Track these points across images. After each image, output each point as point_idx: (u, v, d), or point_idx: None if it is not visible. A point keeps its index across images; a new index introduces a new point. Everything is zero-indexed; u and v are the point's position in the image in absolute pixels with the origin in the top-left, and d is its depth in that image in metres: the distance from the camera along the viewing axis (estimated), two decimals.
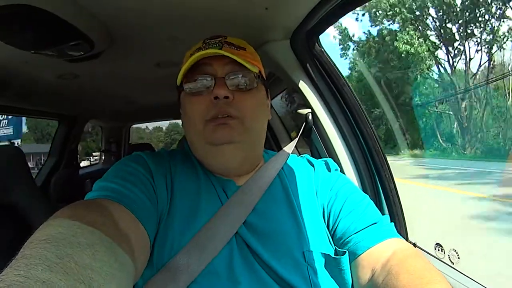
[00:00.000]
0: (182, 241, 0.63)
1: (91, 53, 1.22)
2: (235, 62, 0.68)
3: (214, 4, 0.96)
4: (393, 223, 0.71)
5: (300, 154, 0.93)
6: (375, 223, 0.67)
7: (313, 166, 0.82)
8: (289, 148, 0.93)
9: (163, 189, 0.67)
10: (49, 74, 1.59)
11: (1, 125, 10.42)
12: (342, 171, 1.15)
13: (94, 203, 0.55)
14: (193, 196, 0.69)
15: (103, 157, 3.99)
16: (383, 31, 21.49)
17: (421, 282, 0.53)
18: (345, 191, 0.74)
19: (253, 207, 0.69)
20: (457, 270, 0.90)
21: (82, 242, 0.39)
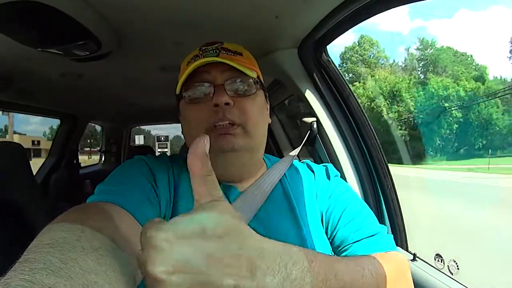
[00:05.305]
0: None
1: (97, 54, 1.22)
2: (233, 68, 0.68)
3: (223, 10, 0.96)
4: (391, 235, 0.71)
5: (301, 160, 0.92)
6: (373, 235, 0.67)
7: (313, 172, 0.81)
8: (293, 154, 0.93)
9: (165, 193, 0.67)
10: (53, 72, 1.59)
11: None
12: (344, 180, 1.15)
13: (96, 206, 0.54)
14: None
15: (103, 158, 3.98)
16: None
17: None
18: (344, 199, 0.74)
19: (254, 213, 0.68)
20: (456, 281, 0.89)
21: (86, 246, 0.39)
